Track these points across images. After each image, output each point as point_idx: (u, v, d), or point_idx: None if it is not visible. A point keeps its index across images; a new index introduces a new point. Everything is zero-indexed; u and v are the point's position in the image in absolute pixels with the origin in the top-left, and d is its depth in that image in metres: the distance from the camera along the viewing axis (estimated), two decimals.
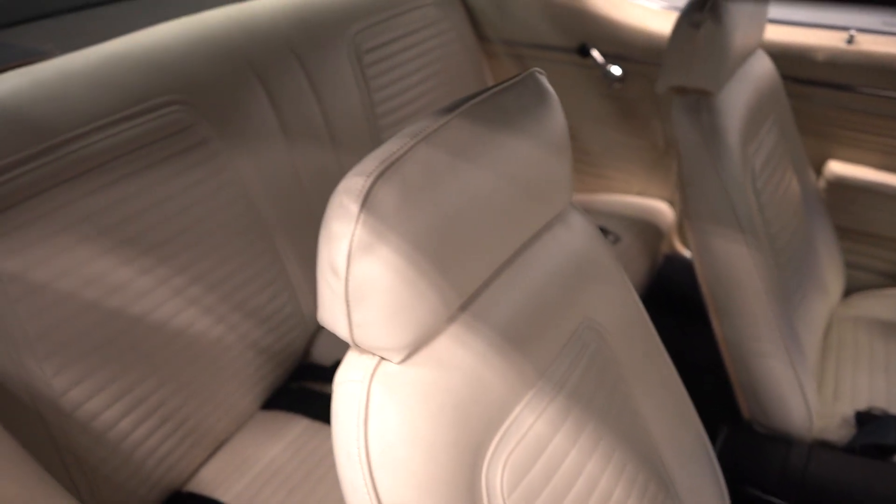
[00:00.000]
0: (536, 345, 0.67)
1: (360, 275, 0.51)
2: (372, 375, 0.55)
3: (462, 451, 0.57)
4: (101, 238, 0.94)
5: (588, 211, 1.58)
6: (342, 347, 1.27)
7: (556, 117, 0.70)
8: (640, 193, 1.69)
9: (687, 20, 1.00)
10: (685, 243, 1.71)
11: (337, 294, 0.52)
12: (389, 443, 0.54)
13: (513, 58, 1.66)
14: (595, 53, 1.54)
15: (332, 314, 0.54)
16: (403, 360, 0.56)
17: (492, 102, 0.63)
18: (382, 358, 0.56)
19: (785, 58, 1.32)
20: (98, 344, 0.94)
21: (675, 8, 1.49)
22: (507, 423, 0.62)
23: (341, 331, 0.54)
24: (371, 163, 0.53)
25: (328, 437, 1.09)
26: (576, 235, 0.76)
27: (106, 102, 0.98)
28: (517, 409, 0.63)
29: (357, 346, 0.56)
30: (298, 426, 1.12)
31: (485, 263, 0.62)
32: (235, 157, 1.11)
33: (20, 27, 1.20)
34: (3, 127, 0.89)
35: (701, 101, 1.03)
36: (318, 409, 1.14)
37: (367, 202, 0.50)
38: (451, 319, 0.60)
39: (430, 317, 0.55)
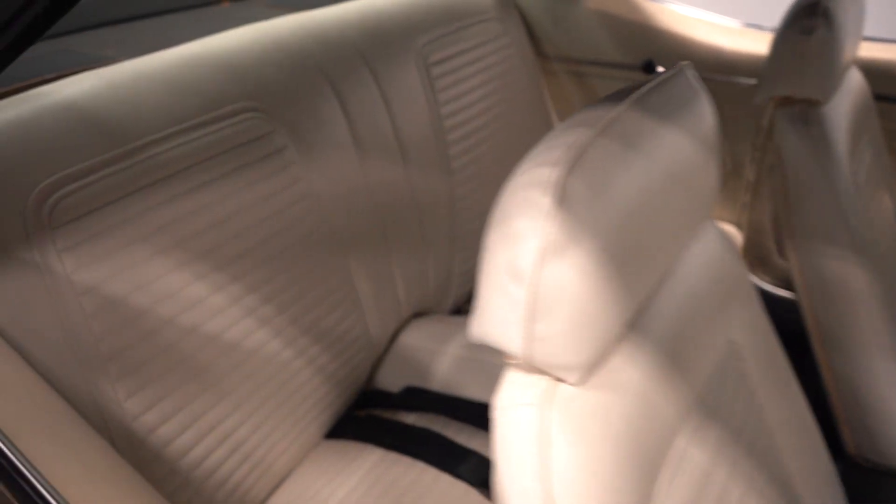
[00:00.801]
0: (691, 365, 0.60)
1: (550, 280, 0.44)
2: (547, 399, 0.48)
3: (637, 483, 0.50)
4: (177, 250, 0.88)
5: None
6: (410, 373, 1.19)
7: (708, 116, 0.64)
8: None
9: (796, 26, 0.95)
10: (752, 268, 1.64)
11: (516, 302, 0.46)
12: (572, 478, 0.46)
13: (572, 75, 1.61)
14: (661, 70, 1.49)
15: (501, 325, 0.47)
16: (581, 381, 0.49)
17: (652, 95, 0.58)
18: (558, 379, 0.49)
19: (877, 74, 1.26)
20: (171, 365, 0.87)
21: (750, 24, 1.45)
22: (672, 453, 0.54)
23: (511, 345, 0.47)
24: (552, 152, 0.46)
25: (407, 468, 1.01)
26: (718, 248, 0.69)
27: (182, 107, 0.92)
28: (681, 438, 0.56)
29: (526, 365, 0.49)
30: (372, 457, 1.04)
31: (654, 271, 0.55)
32: (309, 167, 1.05)
33: (80, 34, 1.16)
34: (80, 130, 0.83)
35: (809, 112, 0.97)
36: (392, 438, 1.06)
37: (561, 196, 0.44)
38: (622, 335, 0.53)
39: (610, 331, 0.48)
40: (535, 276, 0.44)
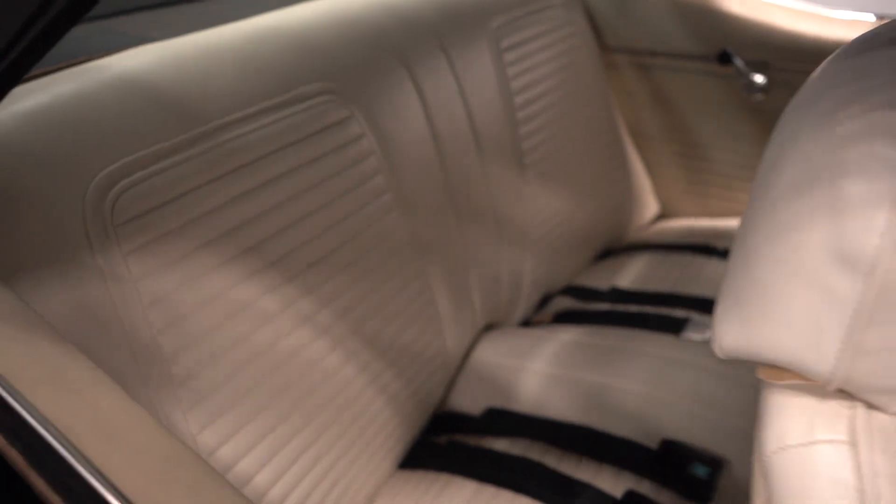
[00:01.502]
0: None
1: None
2: (865, 434, 0.35)
3: None
4: (251, 256, 0.75)
5: (727, 236, 1.39)
6: (490, 393, 1.06)
7: None
8: None
9: None
10: None
11: (840, 300, 0.33)
12: None
13: (637, 68, 1.49)
14: (737, 61, 1.37)
15: (801, 334, 0.35)
16: None
17: None
18: (870, 406, 0.36)
19: None
20: (244, 391, 0.73)
21: (833, 5, 1.34)
22: None
23: (818, 360, 0.35)
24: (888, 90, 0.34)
25: (510, 503, 0.87)
26: None
27: (253, 87, 0.79)
28: None
29: (824, 387, 0.36)
30: (464, 490, 0.91)
31: None
32: (387, 159, 0.92)
33: (120, 17, 1.03)
34: (144, 110, 0.70)
35: None
36: (485, 468, 0.93)
37: None
38: None
39: None
40: (880, 261, 0.31)
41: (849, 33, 1.29)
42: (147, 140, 0.68)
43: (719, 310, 0.38)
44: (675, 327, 1.12)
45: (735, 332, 0.37)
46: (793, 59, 1.34)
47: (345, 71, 0.89)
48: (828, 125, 0.33)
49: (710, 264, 1.31)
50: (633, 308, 1.20)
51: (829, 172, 0.33)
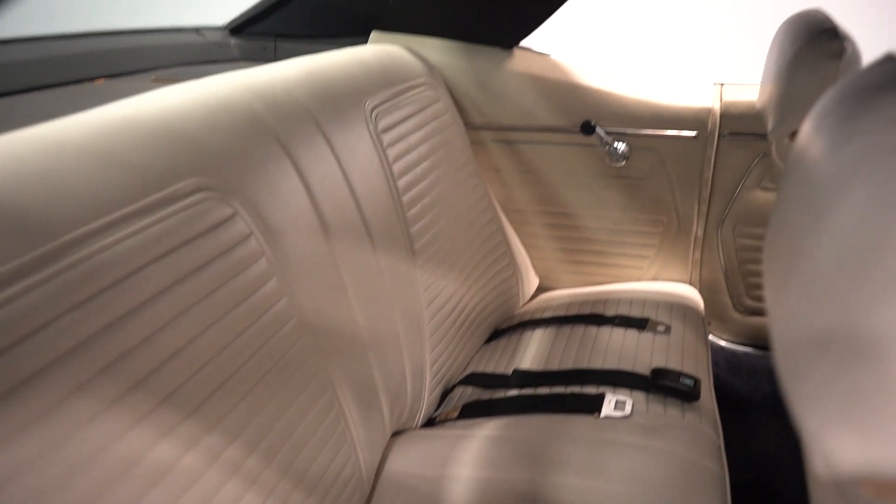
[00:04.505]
0: None
1: None
2: None
3: None
4: (136, 396, 0.59)
5: (613, 302, 1.39)
6: None
7: None
8: (653, 279, 1.54)
9: (819, 52, 0.88)
10: (715, 328, 1.57)
11: None
12: None
13: (502, 143, 1.48)
14: (599, 131, 1.40)
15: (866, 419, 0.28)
16: None
17: None
18: None
19: None
20: None
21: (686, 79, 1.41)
22: None
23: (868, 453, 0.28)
24: None
25: None
26: None
27: (114, 189, 0.65)
28: None
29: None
30: None
31: None
32: (279, 258, 0.80)
33: None
34: None
35: None
36: None
37: None
38: None
39: None
40: None
41: (700, 101, 1.36)
42: None
43: (817, 422, 0.31)
44: (591, 405, 1.06)
45: (856, 446, 0.30)
46: (653, 125, 1.39)
47: (222, 162, 0.76)
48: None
49: (604, 333, 1.29)
50: (543, 390, 1.14)
51: (878, 177, 0.27)
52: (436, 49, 1.43)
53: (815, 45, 0.89)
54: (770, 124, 0.99)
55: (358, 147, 1.01)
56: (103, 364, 0.57)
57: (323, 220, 0.90)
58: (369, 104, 1.08)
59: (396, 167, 1.10)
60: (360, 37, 1.48)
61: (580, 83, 1.40)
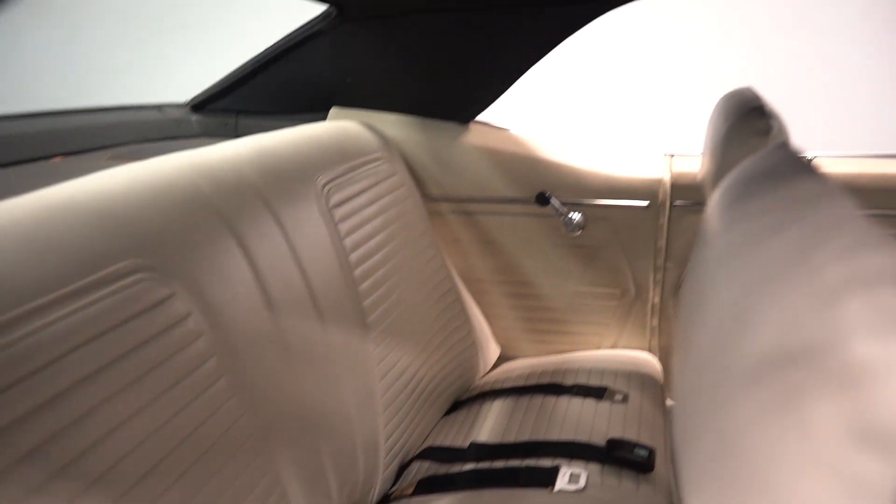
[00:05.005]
0: None
1: None
2: None
3: None
4: (65, 479, 0.58)
5: (573, 371, 1.39)
6: None
7: None
8: (613, 347, 1.55)
9: (748, 129, 0.92)
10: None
11: (873, 490, 0.27)
12: None
13: (460, 214, 1.51)
14: (554, 201, 1.43)
15: None
16: None
17: None
18: None
19: None
20: None
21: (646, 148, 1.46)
22: None
23: None
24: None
25: None
26: None
27: (48, 272, 0.65)
28: None
29: None
30: None
31: None
32: (219, 338, 0.79)
33: None
34: None
35: None
36: None
37: None
38: None
39: None
40: None
41: (651, 171, 1.40)
42: None
43: (690, 498, 0.31)
44: (546, 479, 1.05)
45: None
46: (607, 195, 1.42)
47: (161, 242, 0.77)
48: (803, 274, 0.29)
49: (562, 403, 1.28)
50: (498, 464, 1.12)
51: (831, 334, 0.28)
52: (393, 124, 1.46)
53: (744, 122, 0.93)
54: (707, 195, 1.02)
55: (308, 223, 1.03)
56: (30, 447, 0.56)
57: (269, 298, 0.90)
58: (321, 180, 1.10)
59: (349, 241, 1.11)
60: (320, 112, 1.51)
61: (535, 155, 1.44)
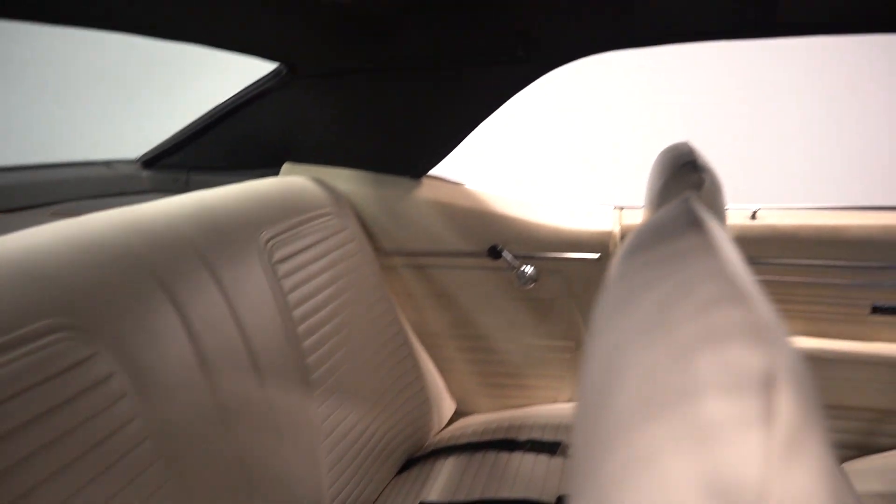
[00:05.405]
0: None
1: (793, 493, 0.26)
2: None
3: None
4: None
5: (527, 426, 1.37)
6: None
7: None
8: (569, 401, 1.53)
9: (682, 183, 0.93)
10: None
11: None
12: None
13: (414, 268, 1.50)
14: (506, 255, 1.44)
15: None
16: None
17: None
18: None
19: None
20: None
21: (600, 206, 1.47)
22: None
23: None
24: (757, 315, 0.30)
25: None
26: None
27: None
28: None
29: None
30: None
31: None
32: (145, 399, 0.77)
33: None
34: None
35: None
36: None
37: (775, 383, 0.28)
38: None
39: None
40: (768, 491, 0.26)
41: (601, 224, 1.41)
42: None
43: None
44: None
45: None
46: (557, 248, 1.43)
47: (85, 300, 0.75)
48: (663, 330, 0.29)
49: (515, 459, 1.26)
50: None
51: (684, 391, 0.28)
52: (346, 178, 1.47)
53: (678, 176, 0.94)
54: None
55: (249, 279, 1.01)
56: None
57: (203, 356, 0.88)
58: (265, 235, 1.09)
59: (293, 297, 1.09)
60: (272, 168, 1.52)
61: (488, 209, 1.45)
